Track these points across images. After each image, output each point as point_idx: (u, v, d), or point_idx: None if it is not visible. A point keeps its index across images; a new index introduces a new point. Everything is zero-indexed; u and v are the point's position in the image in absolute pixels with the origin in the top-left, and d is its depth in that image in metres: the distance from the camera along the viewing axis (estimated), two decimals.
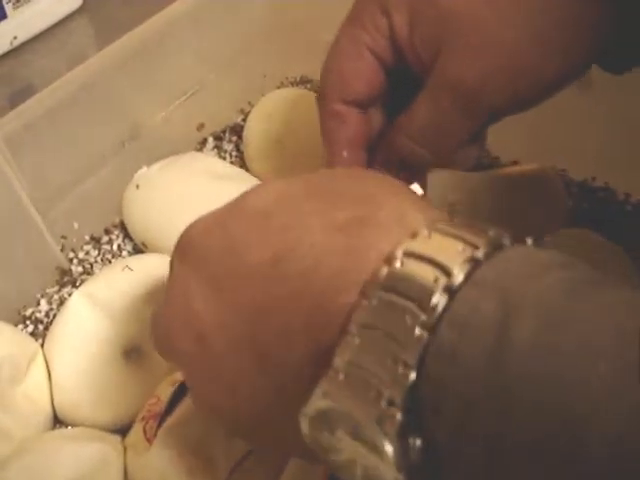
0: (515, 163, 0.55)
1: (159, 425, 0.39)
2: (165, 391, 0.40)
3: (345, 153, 0.37)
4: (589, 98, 0.51)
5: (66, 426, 0.44)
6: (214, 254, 0.28)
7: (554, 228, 0.46)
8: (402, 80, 0.36)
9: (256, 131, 0.53)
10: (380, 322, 0.22)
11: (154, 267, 0.46)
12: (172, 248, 0.48)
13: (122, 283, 0.45)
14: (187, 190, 0.48)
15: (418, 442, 0.21)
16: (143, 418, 0.40)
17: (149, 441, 0.38)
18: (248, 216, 0.28)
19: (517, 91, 0.33)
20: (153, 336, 0.32)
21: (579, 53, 0.33)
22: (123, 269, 0.45)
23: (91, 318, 0.44)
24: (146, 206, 0.49)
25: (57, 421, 0.44)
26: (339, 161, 0.37)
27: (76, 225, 0.51)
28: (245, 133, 0.55)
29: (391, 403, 0.21)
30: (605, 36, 0.33)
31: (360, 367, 0.22)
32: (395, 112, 0.37)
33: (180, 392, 0.40)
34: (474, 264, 0.22)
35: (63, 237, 0.50)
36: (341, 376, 0.22)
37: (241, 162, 0.57)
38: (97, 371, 0.43)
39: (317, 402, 0.22)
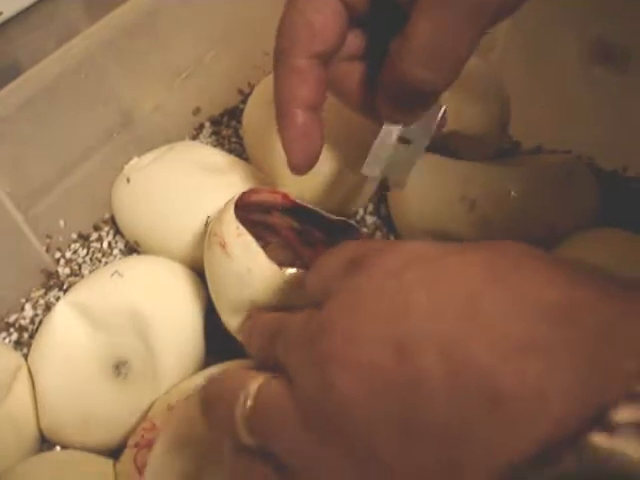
0: (538, 149, 0.51)
1: None
2: (161, 415, 0.37)
3: (300, 115, 0.34)
4: (623, 78, 0.47)
5: (54, 446, 0.41)
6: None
7: (583, 227, 0.42)
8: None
9: (255, 117, 0.48)
10: None
11: (146, 272, 0.42)
12: (165, 248, 0.45)
13: (111, 291, 0.40)
14: (181, 185, 0.44)
15: None
16: (136, 445, 0.37)
17: (141, 473, 0.35)
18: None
19: None
20: None
21: None
22: (112, 275, 0.41)
23: (77, 330, 0.40)
24: (137, 202, 0.45)
25: (44, 440, 0.41)
26: (292, 123, 0.34)
27: (62, 223, 0.47)
28: (244, 119, 0.50)
29: None
30: None
31: None
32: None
33: None
34: None
35: (48, 236, 0.46)
36: None
37: (241, 149, 0.53)
38: (85, 388, 0.39)
39: None
